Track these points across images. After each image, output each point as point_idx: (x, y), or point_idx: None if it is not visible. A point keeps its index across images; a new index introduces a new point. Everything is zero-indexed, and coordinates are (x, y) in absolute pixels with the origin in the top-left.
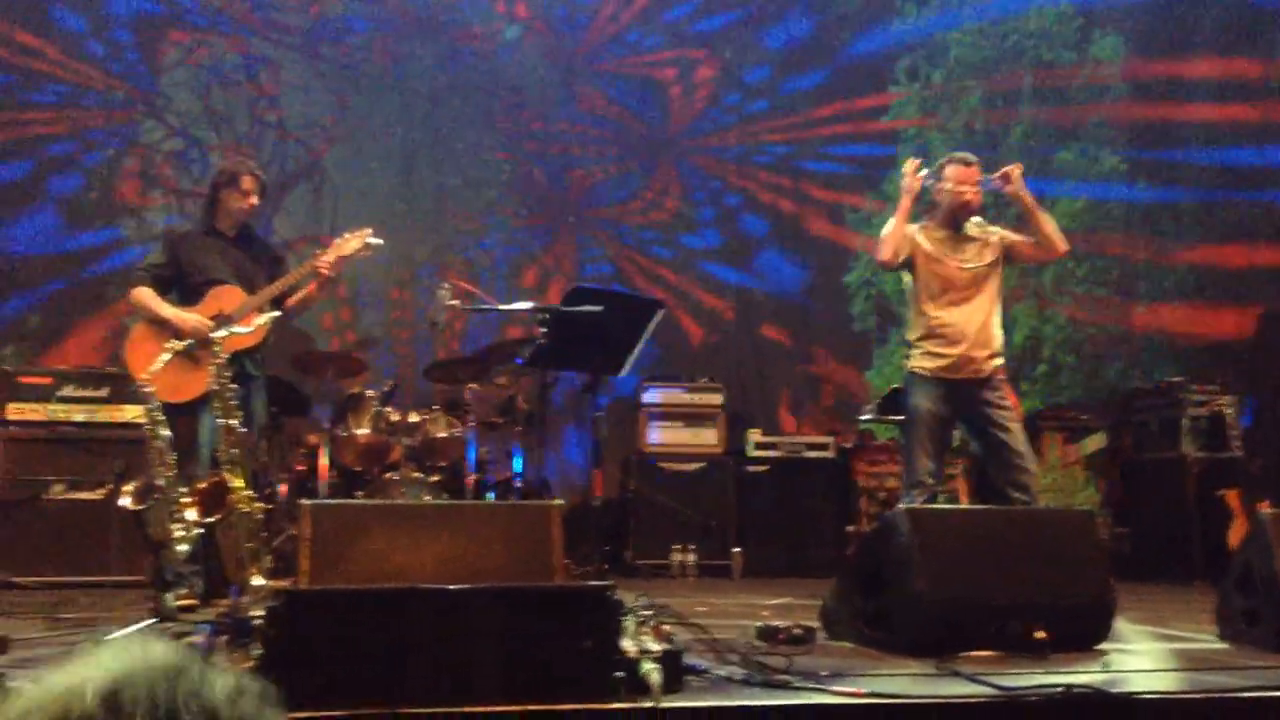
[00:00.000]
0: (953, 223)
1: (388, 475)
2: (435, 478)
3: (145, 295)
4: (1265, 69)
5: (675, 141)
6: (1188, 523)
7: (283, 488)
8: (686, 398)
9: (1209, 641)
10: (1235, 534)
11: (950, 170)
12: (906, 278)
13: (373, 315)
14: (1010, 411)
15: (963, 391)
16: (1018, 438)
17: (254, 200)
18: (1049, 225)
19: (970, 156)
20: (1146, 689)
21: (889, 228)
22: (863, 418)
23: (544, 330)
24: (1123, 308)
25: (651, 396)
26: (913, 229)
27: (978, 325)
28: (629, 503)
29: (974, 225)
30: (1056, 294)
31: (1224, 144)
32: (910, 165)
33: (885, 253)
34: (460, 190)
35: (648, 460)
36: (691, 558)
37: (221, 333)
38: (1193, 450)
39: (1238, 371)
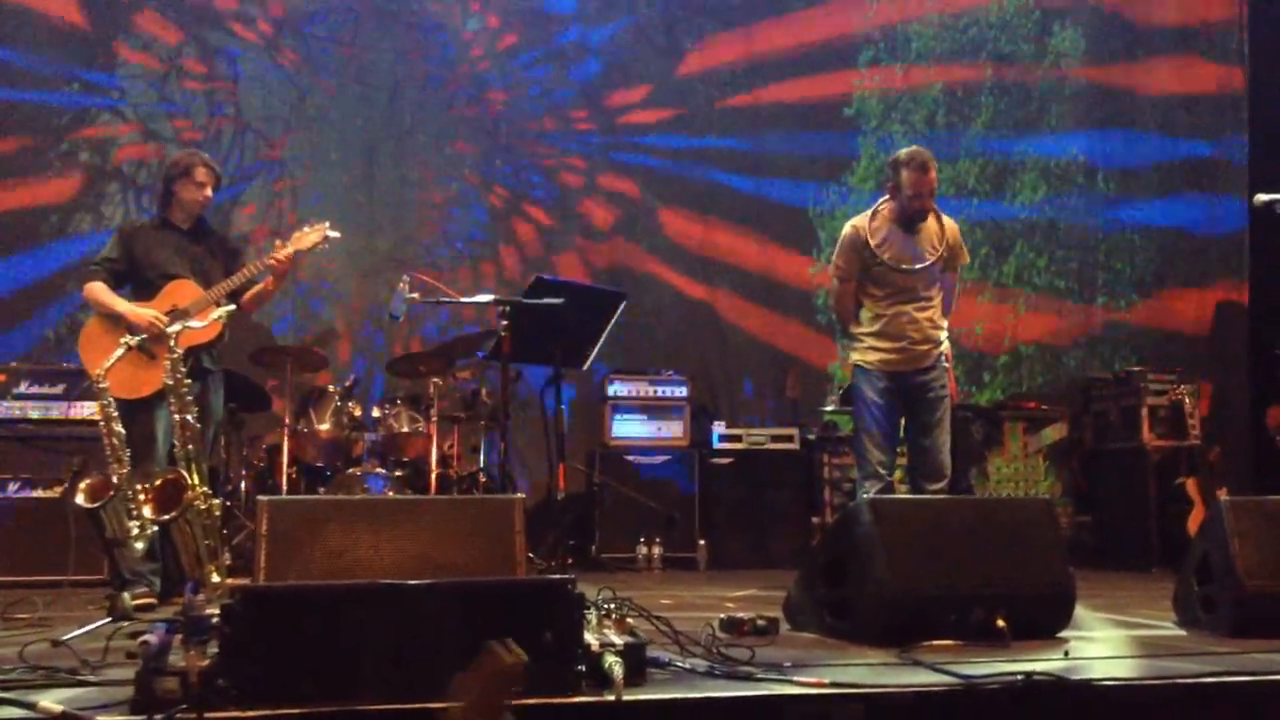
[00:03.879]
0: (905, 220)
1: (350, 470)
2: (399, 473)
3: (99, 290)
4: (1219, 63)
5: (637, 131)
6: (1147, 511)
7: (244, 484)
8: (651, 390)
9: (1167, 628)
10: (1194, 522)
11: (906, 176)
12: None
13: (334, 309)
14: (944, 399)
15: (904, 379)
16: (943, 425)
17: (208, 192)
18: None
19: (927, 161)
20: (1105, 676)
21: (838, 300)
22: (826, 409)
23: (506, 323)
24: (1083, 298)
25: (616, 389)
26: (863, 219)
27: (921, 320)
28: (594, 496)
29: (930, 216)
30: (1018, 284)
31: (1182, 137)
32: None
33: (844, 318)
34: (422, 182)
35: (613, 453)
36: (657, 550)
37: (175, 327)
38: (1152, 439)
39: (1195, 360)
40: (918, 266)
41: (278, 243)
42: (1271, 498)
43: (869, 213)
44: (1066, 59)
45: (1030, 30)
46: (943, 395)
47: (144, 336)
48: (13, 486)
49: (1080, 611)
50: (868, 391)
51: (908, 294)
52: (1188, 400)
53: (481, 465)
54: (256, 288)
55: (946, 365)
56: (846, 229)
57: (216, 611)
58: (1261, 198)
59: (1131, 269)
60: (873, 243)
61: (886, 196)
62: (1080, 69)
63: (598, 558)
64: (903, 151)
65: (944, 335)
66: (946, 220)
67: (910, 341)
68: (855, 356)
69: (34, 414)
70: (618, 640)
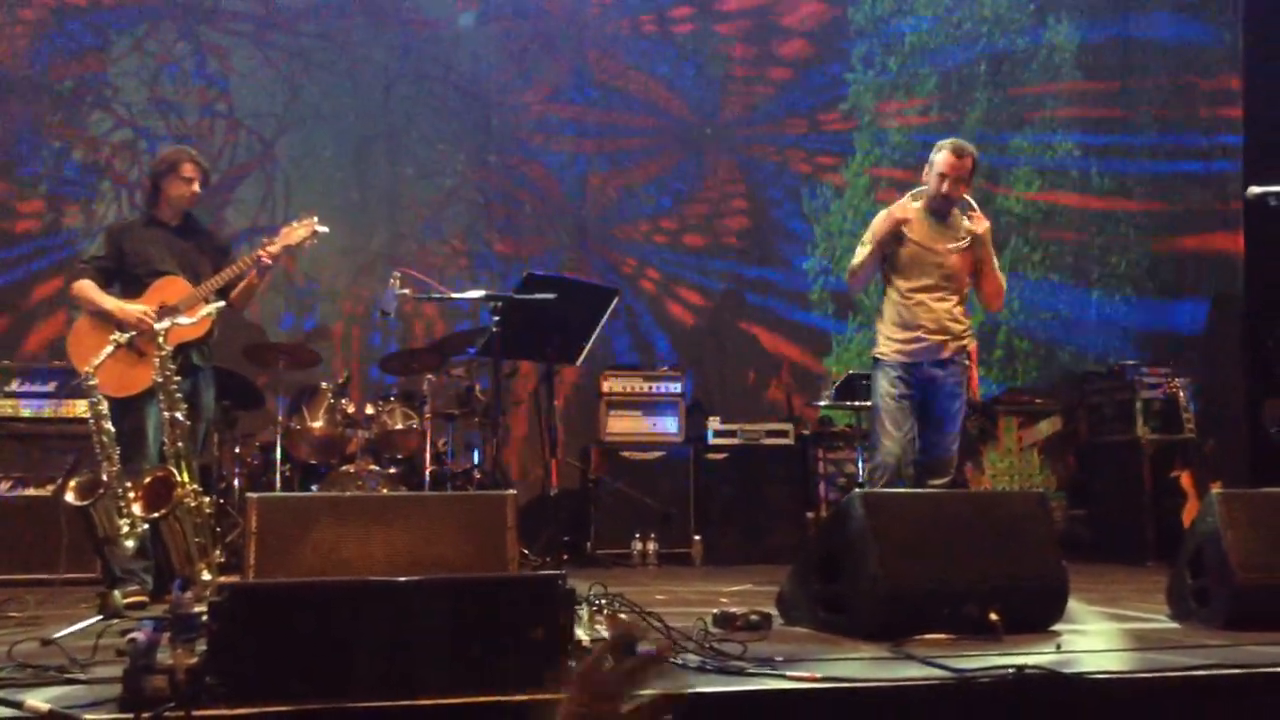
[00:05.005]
0: (936, 205)
1: (344, 468)
2: (393, 470)
3: (87, 288)
4: (1214, 54)
5: (620, 121)
6: (1142, 504)
7: (237, 481)
8: (646, 386)
9: (1161, 621)
10: (1189, 514)
11: (940, 158)
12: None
13: (326, 306)
14: (959, 396)
15: (921, 372)
16: (954, 422)
17: (196, 187)
18: (992, 286)
19: (964, 148)
20: (1098, 669)
21: (859, 264)
22: (821, 404)
23: (498, 319)
24: (1077, 291)
25: (611, 385)
26: (905, 198)
27: (939, 310)
28: (589, 492)
29: (959, 212)
30: (1012, 278)
31: (1176, 129)
32: (886, 216)
33: (855, 286)
34: (415, 179)
35: (608, 449)
36: (652, 546)
37: (164, 324)
38: (1146, 432)
39: (1190, 354)
40: (941, 249)
41: (264, 239)
42: (1265, 490)
43: (909, 195)
44: (1061, 52)
45: (1024, 23)
46: (958, 392)
47: (133, 334)
48: (4, 485)
49: (1074, 605)
50: (883, 383)
51: (928, 283)
52: (1182, 394)
53: (476, 462)
54: (243, 283)
55: (968, 363)
56: (877, 217)
57: (205, 609)
58: (1255, 190)
59: (1126, 262)
60: (906, 219)
61: (924, 186)
62: (1075, 62)
63: (592, 554)
64: (945, 140)
65: (967, 331)
66: (978, 216)
67: (925, 330)
68: (875, 349)
69: (25, 412)
70: (609, 635)
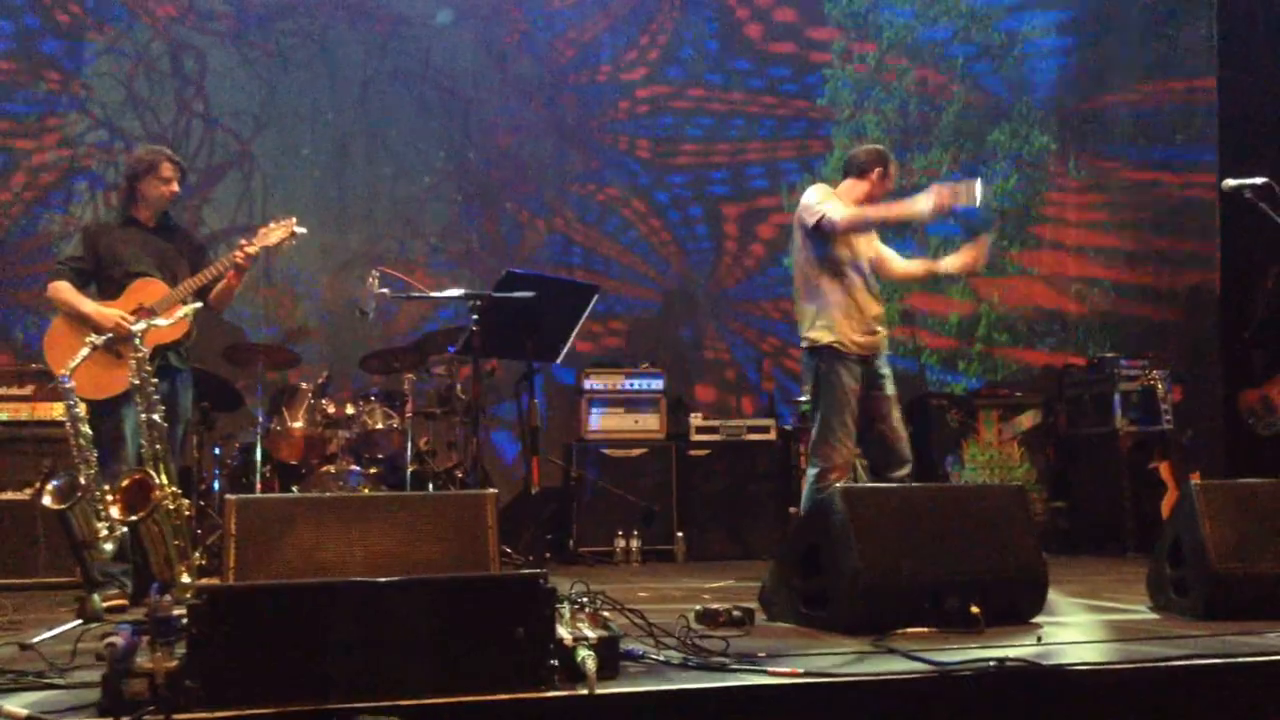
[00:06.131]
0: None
1: (325, 468)
2: (374, 470)
3: (64, 290)
4: (1191, 50)
5: (613, 121)
6: (1121, 496)
7: (217, 484)
8: (627, 383)
9: (1140, 612)
10: (1167, 505)
11: (893, 170)
12: (802, 255)
13: (306, 306)
14: (891, 384)
15: (869, 364)
16: (898, 409)
17: (174, 187)
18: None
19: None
20: (1078, 660)
21: (864, 214)
22: (802, 399)
23: (476, 317)
24: (1055, 285)
25: (592, 383)
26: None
27: (880, 303)
28: (572, 490)
29: None
30: (991, 273)
31: (1153, 124)
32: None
33: (841, 225)
34: (393, 177)
35: (590, 447)
36: (635, 543)
37: (140, 326)
38: (1125, 424)
39: (1167, 346)
40: (871, 256)
41: (242, 241)
42: (1242, 480)
43: (829, 186)
44: (1037, 45)
45: (1002, 16)
46: (890, 379)
47: (109, 336)
48: None
49: (1054, 597)
50: (844, 376)
51: (866, 278)
52: (1160, 385)
53: (457, 461)
54: (221, 284)
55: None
56: (821, 186)
57: (184, 612)
58: (1230, 182)
59: (1104, 255)
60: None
61: (849, 181)
62: (1052, 55)
63: (575, 552)
64: (882, 147)
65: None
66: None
67: (877, 321)
68: (828, 337)
69: (3, 416)
70: (591, 634)
